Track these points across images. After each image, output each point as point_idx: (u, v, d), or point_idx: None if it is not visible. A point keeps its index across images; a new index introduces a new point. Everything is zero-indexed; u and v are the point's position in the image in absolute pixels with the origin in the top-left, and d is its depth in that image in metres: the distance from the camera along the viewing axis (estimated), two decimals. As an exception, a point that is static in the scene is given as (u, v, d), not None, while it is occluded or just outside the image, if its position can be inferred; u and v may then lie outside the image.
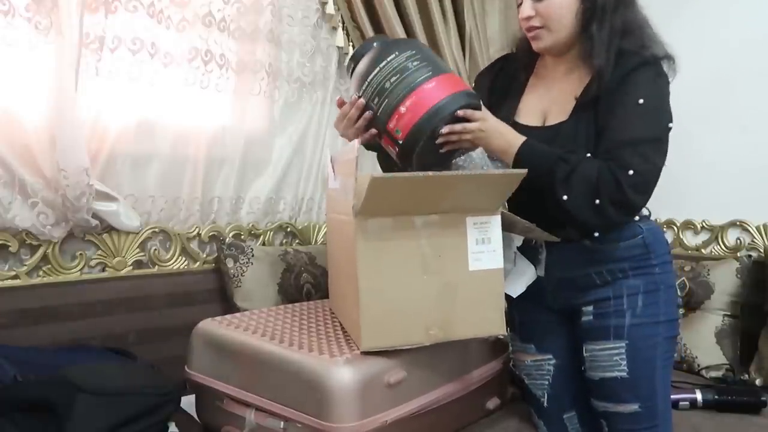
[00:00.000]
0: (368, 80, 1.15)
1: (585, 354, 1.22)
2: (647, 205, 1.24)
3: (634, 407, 1.17)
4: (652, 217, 1.39)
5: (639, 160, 1.09)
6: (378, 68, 1.14)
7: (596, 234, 1.16)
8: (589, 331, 1.22)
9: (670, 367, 1.23)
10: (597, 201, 1.09)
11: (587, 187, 1.09)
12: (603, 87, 1.15)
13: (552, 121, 1.22)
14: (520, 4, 1.22)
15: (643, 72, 1.14)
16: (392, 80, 1.12)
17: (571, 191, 1.09)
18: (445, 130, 1.12)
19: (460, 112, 1.12)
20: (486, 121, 1.15)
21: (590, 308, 1.22)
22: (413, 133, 1.11)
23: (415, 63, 1.13)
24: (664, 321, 1.18)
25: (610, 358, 1.18)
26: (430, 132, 1.11)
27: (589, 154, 1.14)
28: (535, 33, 1.20)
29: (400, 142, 1.13)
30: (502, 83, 1.34)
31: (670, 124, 1.14)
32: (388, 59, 1.14)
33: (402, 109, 1.11)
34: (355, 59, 1.22)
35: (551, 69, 1.27)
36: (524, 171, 1.04)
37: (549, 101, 1.24)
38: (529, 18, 1.19)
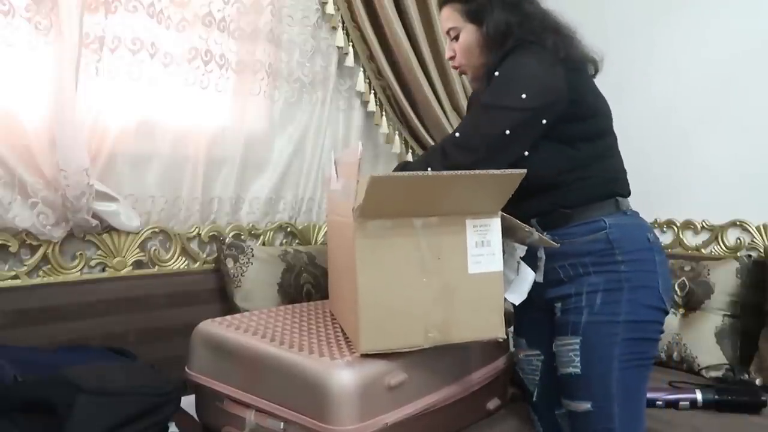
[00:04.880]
0: None
1: (554, 349, 1.24)
2: (624, 198, 1.24)
3: (586, 406, 1.16)
4: (652, 217, 1.37)
5: (467, 122, 1.21)
6: None
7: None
8: (557, 327, 1.23)
9: (637, 370, 1.17)
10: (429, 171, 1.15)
11: (420, 166, 1.18)
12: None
13: None
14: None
15: (510, 54, 1.20)
16: None
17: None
18: None
19: None
20: None
21: (559, 305, 1.24)
22: None
23: None
24: (624, 321, 1.15)
25: (567, 354, 1.19)
26: None
27: None
28: (459, 70, 1.36)
29: None
30: None
31: (524, 95, 1.15)
32: None
33: None
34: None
35: None
36: (524, 171, 1.03)
37: None
38: (451, 58, 1.35)
